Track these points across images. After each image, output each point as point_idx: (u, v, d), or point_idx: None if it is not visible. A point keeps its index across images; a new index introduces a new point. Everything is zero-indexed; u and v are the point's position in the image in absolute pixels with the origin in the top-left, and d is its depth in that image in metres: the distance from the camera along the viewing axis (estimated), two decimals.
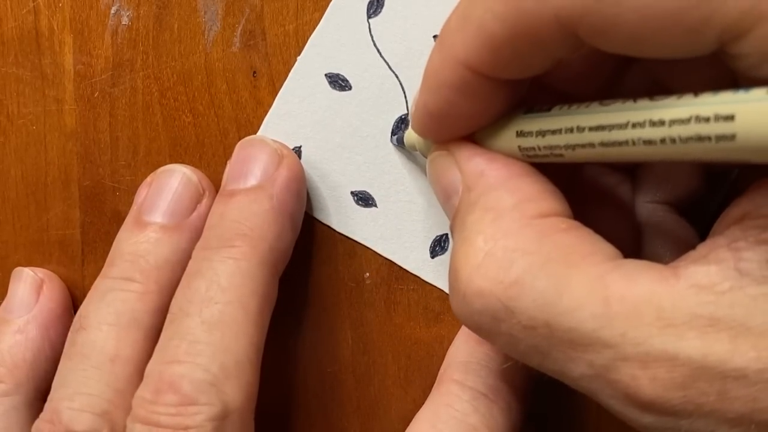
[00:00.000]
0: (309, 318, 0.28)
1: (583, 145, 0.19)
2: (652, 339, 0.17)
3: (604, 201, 0.24)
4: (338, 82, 0.27)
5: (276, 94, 0.28)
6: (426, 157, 0.23)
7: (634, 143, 0.17)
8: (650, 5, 0.16)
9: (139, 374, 0.24)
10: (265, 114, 0.28)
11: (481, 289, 0.19)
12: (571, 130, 0.19)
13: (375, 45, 0.27)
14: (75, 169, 0.29)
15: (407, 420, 0.26)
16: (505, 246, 0.19)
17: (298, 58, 0.27)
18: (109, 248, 0.29)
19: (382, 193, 0.28)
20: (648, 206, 0.24)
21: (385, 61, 0.27)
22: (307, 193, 0.28)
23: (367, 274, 0.28)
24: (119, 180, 0.29)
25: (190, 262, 0.25)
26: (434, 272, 0.28)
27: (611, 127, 0.18)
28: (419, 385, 0.28)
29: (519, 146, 0.20)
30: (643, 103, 0.17)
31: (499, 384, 0.25)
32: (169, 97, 0.28)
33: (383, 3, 0.27)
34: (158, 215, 0.26)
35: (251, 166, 0.26)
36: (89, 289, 0.29)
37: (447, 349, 0.27)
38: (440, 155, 0.22)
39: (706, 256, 0.17)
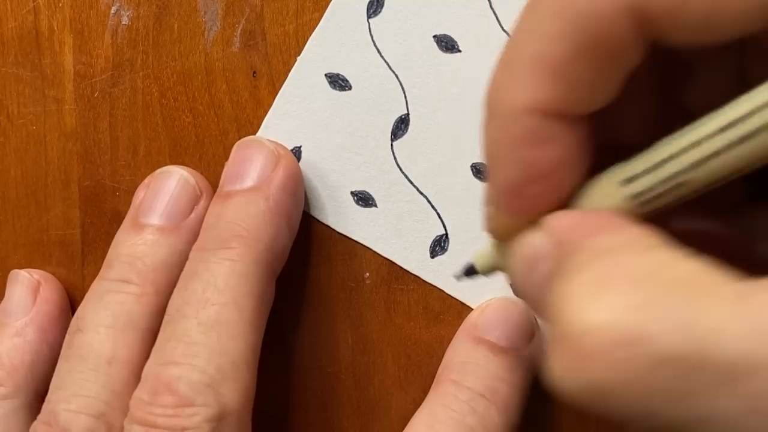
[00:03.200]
0: (308, 318, 0.28)
1: (716, 153, 0.16)
2: None
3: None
4: (338, 82, 0.27)
5: (276, 94, 0.28)
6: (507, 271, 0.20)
7: None
8: None
9: (135, 376, 0.24)
10: (265, 114, 0.28)
11: (604, 320, 0.15)
12: (695, 144, 0.17)
13: (375, 45, 0.27)
14: (75, 169, 0.29)
15: (407, 420, 0.26)
16: (626, 275, 0.16)
17: (298, 58, 0.28)
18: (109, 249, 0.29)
19: (382, 193, 0.28)
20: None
21: (385, 61, 0.27)
22: (306, 193, 0.28)
23: (367, 274, 0.28)
24: (119, 180, 0.29)
25: (187, 264, 0.25)
26: (434, 272, 0.28)
27: (738, 121, 0.16)
28: (419, 385, 0.28)
29: (631, 194, 0.18)
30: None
31: (497, 384, 0.25)
32: (169, 97, 0.28)
33: (383, 3, 0.27)
34: (155, 217, 0.26)
35: (248, 167, 0.26)
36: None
37: (447, 349, 0.27)
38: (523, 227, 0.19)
39: None
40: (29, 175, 0.29)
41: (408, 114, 0.27)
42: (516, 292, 0.21)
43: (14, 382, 0.26)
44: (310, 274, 0.28)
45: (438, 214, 0.28)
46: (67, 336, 0.26)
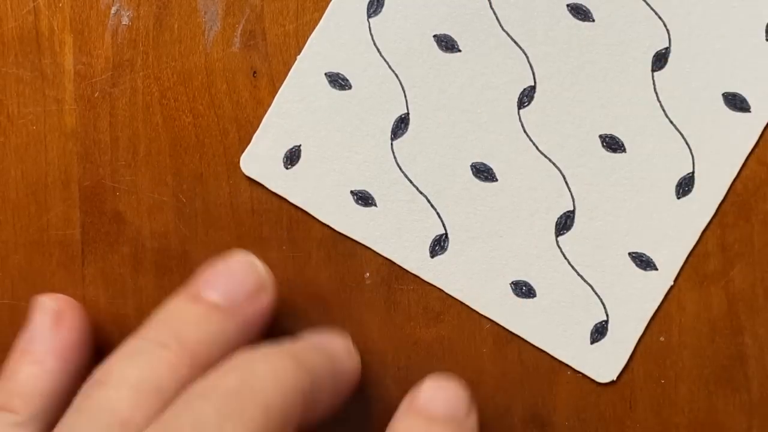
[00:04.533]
0: (309, 318, 0.28)
1: None
2: None
3: None
4: (338, 81, 0.27)
5: (276, 94, 0.28)
6: None
7: None
8: None
9: None
10: (265, 114, 0.28)
11: None
12: None
13: (375, 44, 0.27)
14: (75, 169, 0.29)
15: None
16: None
17: (298, 57, 0.28)
18: (109, 248, 0.29)
19: (382, 193, 0.28)
20: None
21: (386, 60, 0.27)
22: (306, 192, 0.28)
23: (367, 274, 0.28)
24: (119, 180, 0.29)
25: (229, 360, 0.24)
26: (434, 272, 0.28)
27: None
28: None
29: None
30: None
31: None
32: (169, 97, 0.28)
33: (383, 2, 0.27)
34: (215, 294, 0.25)
35: (326, 341, 0.26)
36: (89, 290, 0.29)
37: (447, 349, 0.27)
38: None
39: None
40: (29, 175, 0.29)
41: (408, 113, 0.27)
42: None
43: (29, 410, 0.25)
44: (310, 274, 0.28)
45: (438, 214, 0.28)
46: (85, 385, 0.24)
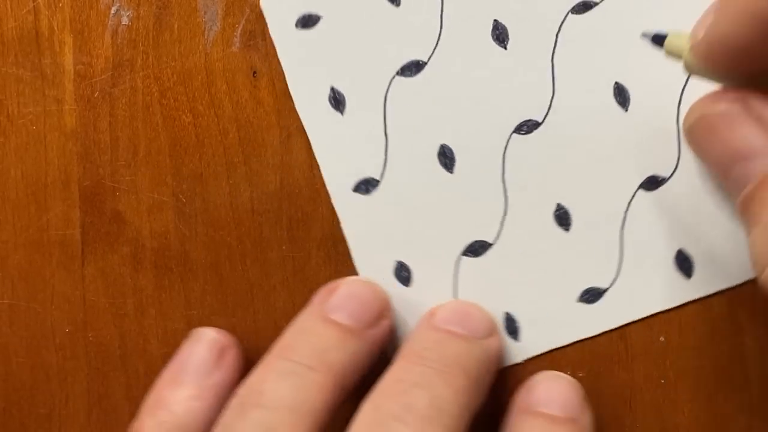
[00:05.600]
0: None
1: None
2: None
3: None
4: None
5: (276, 94, 0.28)
6: (689, 72, 0.21)
7: None
8: None
9: None
10: (266, 114, 0.28)
11: None
12: None
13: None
14: (75, 169, 0.29)
15: None
16: None
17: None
18: (109, 248, 0.29)
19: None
20: None
21: None
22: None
23: None
24: (119, 180, 0.29)
25: (400, 372, 0.24)
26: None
27: None
28: None
29: None
30: None
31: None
32: (169, 97, 0.28)
33: None
34: (345, 316, 0.25)
35: (469, 319, 0.26)
36: (89, 290, 0.29)
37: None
38: (730, 109, 0.19)
39: None
40: (29, 175, 0.29)
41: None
42: (690, 132, 0.20)
43: None
44: (309, 274, 0.28)
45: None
46: (238, 405, 0.24)
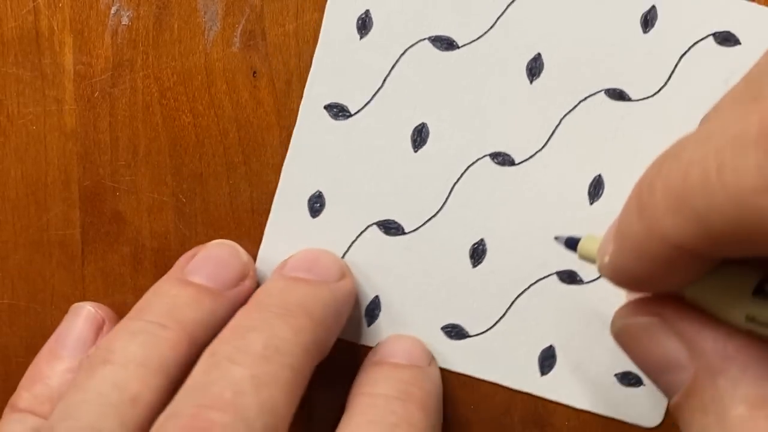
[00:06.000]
0: None
1: None
2: None
3: None
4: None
5: (276, 94, 0.28)
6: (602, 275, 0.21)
7: None
8: None
9: (150, 422, 0.22)
10: (266, 114, 0.28)
11: None
12: None
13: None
14: (75, 169, 0.29)
15: None
16: None
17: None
18: (109, 248, 0.29)
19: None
20: None
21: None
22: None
23: None
24: (119, 180, 0.29)
25: (241, 317, 0.24)
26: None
27: None
28: None
29: (747, 319, 0.18)
30: None
31: (409, 388, 0.25)
32: (169, 97, 0.28)
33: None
34: (202, 277, 0.26)
35: (317, 264, 0.26)
36: (89, 290, 0.29)
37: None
38: (650, 323, 0.20)
39: None
40: (29, 175, 0.29)
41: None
42: (635, 361, 0.21)
43: None
44: None
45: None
46: (87, 365, 0.24)
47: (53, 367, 0.26)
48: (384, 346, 0.27)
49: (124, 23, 0.28)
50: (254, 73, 0.28)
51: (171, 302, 0.25)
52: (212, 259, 0.26)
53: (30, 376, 0.26)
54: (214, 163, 0.28)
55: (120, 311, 0.29)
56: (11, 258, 0.29)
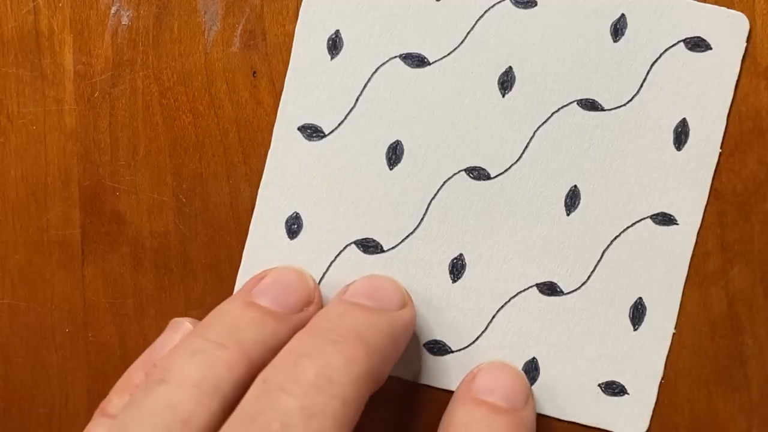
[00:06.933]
0: None
1: None
2: None
3: None
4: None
5: (276, 94, 0.28)
6: None
7: None
8: None
9: None
10: (266, 113, 0.28)
11: None
12: None
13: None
14: (75, 169, 0.29)
15: None
16: None
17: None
18: (109, 248, 0.29)
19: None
20: None
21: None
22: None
23: None
24: (119, 180, 0.29)
25: (294, 344, 0.24)
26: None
27: None
28: None
29: None
30: None
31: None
32: (169, 97, 0.28)
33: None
34: (267, 300, 0.26)
35: (382, 293, 0.26)
36: (89, 290, 0.29)
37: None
38: None
39: None
40: (29, 175, 0.29)
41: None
42: None
43: None
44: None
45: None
46: (145, 382, 0.24)
47: (143, 376, 0.26)
48: (484, 378, 0.26)
49: (124, 23, 0.28)
50: (254, 73, 0.28)
51: (233, 323, 0.25)
52: (279, 283, 0.26)
53: (121, 384, 0.26)
54: (214, 163, 0.28)
55: (120, 312, 0.29)
56: (11, 258, 0.29)
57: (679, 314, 0.27)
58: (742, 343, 0.27)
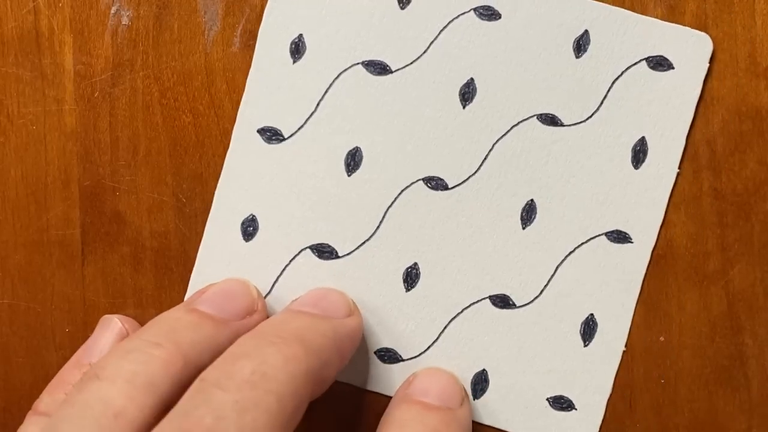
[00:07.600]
0: None
1: None
2: None
3: None
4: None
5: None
6: None
7: None
8: None
9: None
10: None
11: None
12: None
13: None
14: (75, 169, 0.29)
15: None
16: None
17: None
18: (109, 248, 0.29)
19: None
20: None
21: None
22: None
23: None
24: (119, 180, 0.29)
25: (235, 346, 0.24)
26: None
27: None
28: None
29: None
30: None
31: None
32: (169, 97, 0.28)
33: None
34: (208, 307, 0.26)
35: (325, 303, 0.26)
36: (89, 290, 0.29)
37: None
38: None
39: None
40: (29, 175, 0.29)
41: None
42: None
43: None
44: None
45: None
46: (80, 381, 0.24)
47: (75, 375, 0.26)
48: (418, 382, 0.27)
49: (124, 23, 0.28)
50: None
51: (171, 325, 0.25)
52: (222, 292, 0.27)
53: (54, 384, 0.27)
54: (214, 163, 0.28)
55: (120, 312, 0.29)
56: (11, 258, 0.29)
57: (679, 315, 0.27)
58: (742, 343, 0.27)
